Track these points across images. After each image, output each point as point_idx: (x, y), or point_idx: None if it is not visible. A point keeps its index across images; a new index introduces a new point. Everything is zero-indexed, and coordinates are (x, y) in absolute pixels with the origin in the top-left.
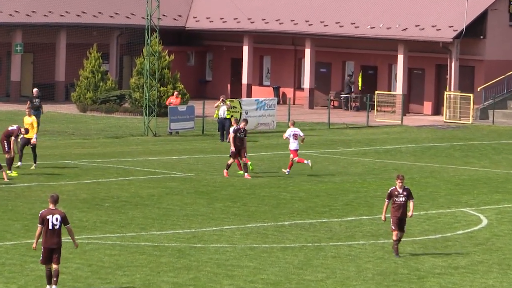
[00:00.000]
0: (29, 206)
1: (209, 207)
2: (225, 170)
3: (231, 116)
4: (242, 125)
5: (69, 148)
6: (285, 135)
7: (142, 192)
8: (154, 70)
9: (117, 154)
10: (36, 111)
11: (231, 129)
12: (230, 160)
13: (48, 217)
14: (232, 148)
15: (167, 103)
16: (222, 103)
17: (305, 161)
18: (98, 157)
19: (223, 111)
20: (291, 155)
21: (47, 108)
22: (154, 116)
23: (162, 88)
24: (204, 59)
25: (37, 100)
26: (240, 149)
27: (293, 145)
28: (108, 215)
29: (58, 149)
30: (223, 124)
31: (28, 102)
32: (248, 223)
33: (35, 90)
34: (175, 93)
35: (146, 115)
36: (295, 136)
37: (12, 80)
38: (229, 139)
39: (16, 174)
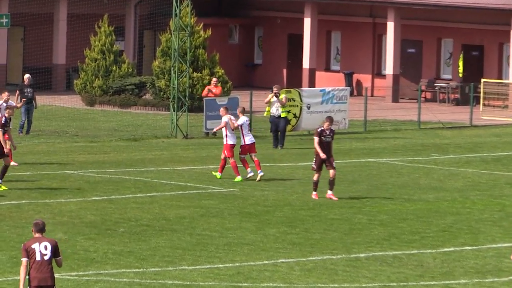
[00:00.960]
0: (17, 231)
1: (258, 233)
2: (314, 192)
3: (288, 112)
4: (326, 125)
5: (71, 153)
6: (238, 122)
7: (168, 213)
8: (185, 50)
9: (135, 162)
10: (28, 104)
11: (316, 132)
12: (316, 176)
13: (33, 246)
14: (322, 155)
15: (203, 94)
16: (275, 97)
17: (249, 171)
18: (110, 166)
19: (276, 108)
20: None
21: (42, 100)
22: (184, 111)
23: (195, 74)
24: (252, 35)
25: (29, 90)
26: (328, 157)
27: (247, 138)
28: (124, 243)
29: (57, 155)
30: (277, 125)
31: (17, 92)
32: (310, 255)
33: (26, 76)
34: (214, 80)
35: (174, 110)
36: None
37: None
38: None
39: (5, 188)
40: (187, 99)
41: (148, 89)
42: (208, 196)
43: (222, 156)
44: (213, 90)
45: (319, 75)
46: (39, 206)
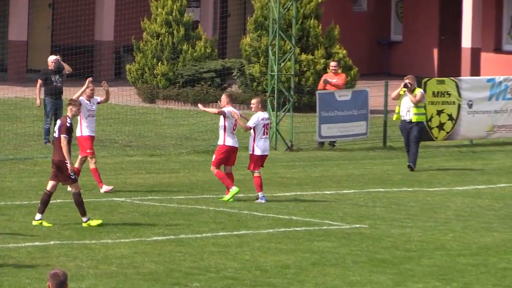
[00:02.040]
0: (42, 286)
1: None
2: None
3: (422, 115)
4: None
5: (122, 172)
6: (251, 123)
7: (264, 260)
8: (289, 20)
9: (216, 185)
10: (56, 99)
11: None
12: None
13: None
14: None
15: (320, 86)
16: (406, 90)
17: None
18: (178, 190)
19: (407, 108)
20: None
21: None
22: (288, 110)
23: (304, 56)
24: (388, 0)
25: (57, 78)
26: None
27: (262, 145)
28: None
29: (101, 174)
30: (408, 132)
31: (39, 82)
32: None
33: (52, 58)
34: (332, 66)
35: (273, 110)
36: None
37: (10, 40)
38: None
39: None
40: (292, 93)
41: (235, 78)
42: (323, 235)
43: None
44: (332, 81)
45: (486, 57)
46: (74, 250)
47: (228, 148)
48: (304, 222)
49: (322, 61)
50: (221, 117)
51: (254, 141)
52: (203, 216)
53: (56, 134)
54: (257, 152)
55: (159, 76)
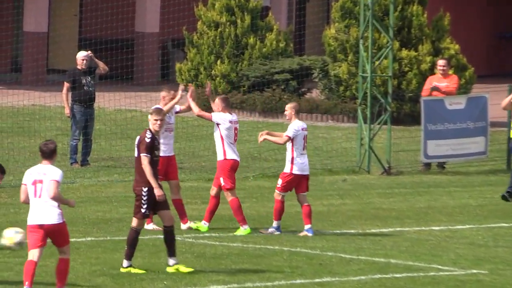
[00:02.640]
0: None
1: None
2: None
3: None
4: None
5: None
6: (290, 132)
7: None
8: (386, 6)
9: (292, 217)
10: (87, 107)
11: None
12: None
13: None
14: None
15: (425, 92)
16: None
17: (274, 226)
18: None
19: None
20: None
21: (113, 101)
22: (385, 123)
23: (405, 53)
24: None
25: (88, 80)
26: None
27: (300, 163)
28: None
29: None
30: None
31: (66, 85)
32: None
33: (82, 55)
34: (441, 65)
35: (364, 122)
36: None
37: (26, 32)
38: None
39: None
40: (389, 100)
41: (316, 80)
42: (430, 283)
43: (213, 192)
44: (440, 85)
45: None
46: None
47: (232, 162)
48: (405, 267)
49: (428, 58)
50: (216, 126)
51: (292, 157)
52: (275, 259)
53: (135, 153)
54: (296, 171)
55: (218, 78)
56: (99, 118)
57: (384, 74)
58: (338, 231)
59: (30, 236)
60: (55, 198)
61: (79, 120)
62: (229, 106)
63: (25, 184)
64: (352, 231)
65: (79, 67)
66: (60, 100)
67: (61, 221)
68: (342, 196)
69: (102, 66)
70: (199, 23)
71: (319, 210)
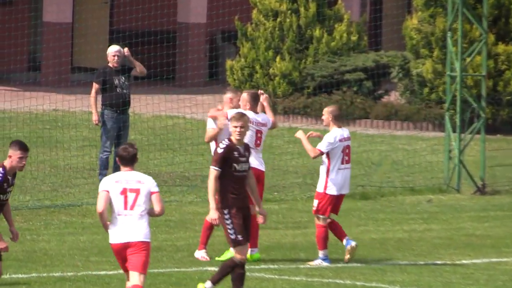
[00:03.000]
0: None
1: None
2: None
3: None
4: None
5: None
6: (323, 147)
7: None
8: None
9: (365, 245)
10: (122, 113)
11: None
12: None
13: None
14: None
15: None
16: None
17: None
18: (306, 255)
19: None
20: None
21: (152, 106)
22: (477, 131)
23: (503, 47)
24: None
25: (122, 80)
26: None
27: (337, 176)
28: None
29: (184, 227)
30: None
31: (95, 86)
32: None
33: (113, 50)
34: None
35: (453, 130)
36: (348, 149)
37: (46, 22)
38: None
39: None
40: (483, 104)
41: (395, 81)
42: None
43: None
44: None
45: None
46: None
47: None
48: None
49: None
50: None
51: (327, 173)
52: None
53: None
54: (332, 190)
55: (277, 78)
56: (135, 126)
57: (476, 73)
58: (422, 262)
59: (119, 258)
60: (162, 212)
61: (111, 129)
62: (256, 104)
63: (107, 191)
64: (439, 262)
65: (110, 64)
66: (88, 104)
67: (149, 240)
68: (427, 220)
69: (139, 68)
70: (255, 11)
71: (398, 237)
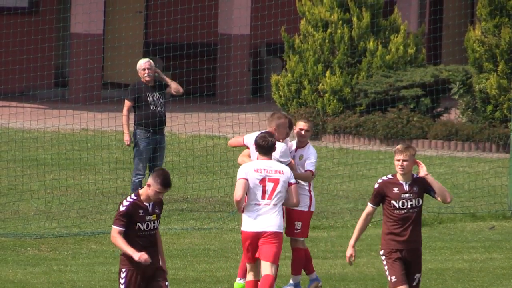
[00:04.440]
0: None
1: None
2: None
3: None
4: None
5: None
6: (313, 167)
7: None
8: None
9: (428, 279)
10: (157, 133)
11: None
12: None
13: None
14: None
15: None
16: None
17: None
18: None
19: None
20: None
21: (194, 122)
22: None
23: None
24: None
25: (156, 96)
26: None
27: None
28: None
29: (212, 255)
30: None
31: (127, 104)
32: None
33: (143, 63)
34: None
35: None
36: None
37: (74, 34)
38: None
39: None
40: None
41: (456, 97)
42: None
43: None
44: None
45: None
46: None
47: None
48: None
49: None
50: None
51: (310, 189)
52: None
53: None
54: (313, 207)
55: (327, 94)
56: (171, 147)
57: None
58: None
59: (247, 246)
60: (298, 204)
61: (144, 150)
62: (290, 131)
63: (245, 179)
64: None
65: (144, 80)
66: (120, 123)
67: (282, 231)
68: (489, 248)
69: (173, 86)
70: (303, 22)
71: (458, 267)
